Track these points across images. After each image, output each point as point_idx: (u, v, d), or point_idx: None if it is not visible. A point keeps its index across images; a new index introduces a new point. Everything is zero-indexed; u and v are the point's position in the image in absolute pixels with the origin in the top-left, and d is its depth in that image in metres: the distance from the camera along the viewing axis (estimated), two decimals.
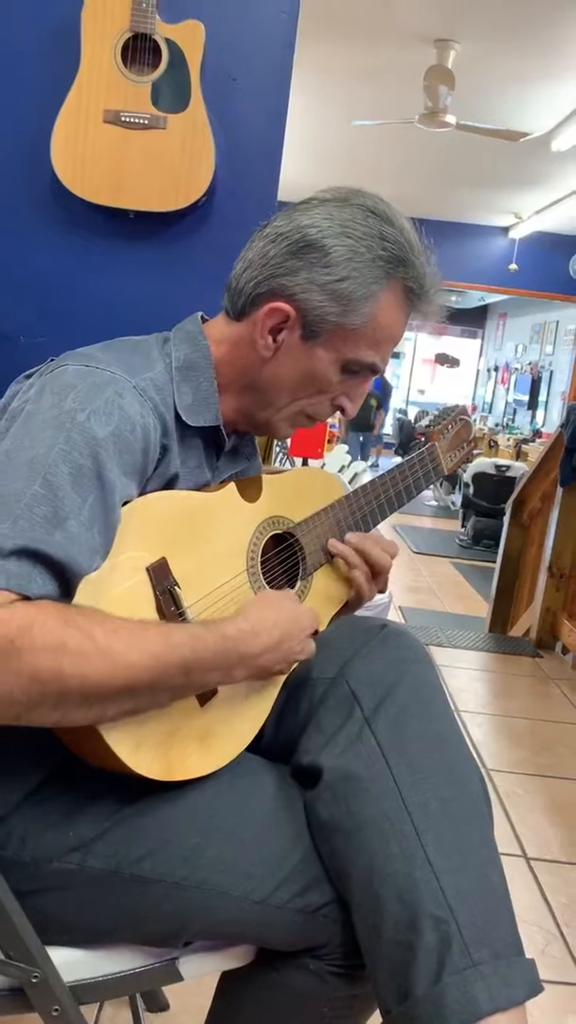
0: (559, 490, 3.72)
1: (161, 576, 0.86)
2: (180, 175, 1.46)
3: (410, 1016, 0.78)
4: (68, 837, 0.86)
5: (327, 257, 0.91)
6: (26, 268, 1.54)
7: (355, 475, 4.53)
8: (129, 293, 1.54)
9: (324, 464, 4.48)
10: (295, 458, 4.55)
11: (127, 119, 1.43)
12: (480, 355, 13.87)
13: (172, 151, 1.45)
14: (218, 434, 0.99)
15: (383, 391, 11.57)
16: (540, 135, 5.08)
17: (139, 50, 1.43)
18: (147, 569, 0.85)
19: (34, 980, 0.84)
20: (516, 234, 8.30)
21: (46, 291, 1.54)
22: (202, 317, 1.02)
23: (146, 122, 1.44)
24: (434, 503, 9.09)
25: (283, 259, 0.93)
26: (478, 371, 13.75)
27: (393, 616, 3.96)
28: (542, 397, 10.25)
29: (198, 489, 0.98)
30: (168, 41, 1.43)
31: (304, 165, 6.12)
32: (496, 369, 12.64)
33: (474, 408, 12.70)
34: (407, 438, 10.84)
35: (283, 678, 0.99)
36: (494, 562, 4.34)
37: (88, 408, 0.81)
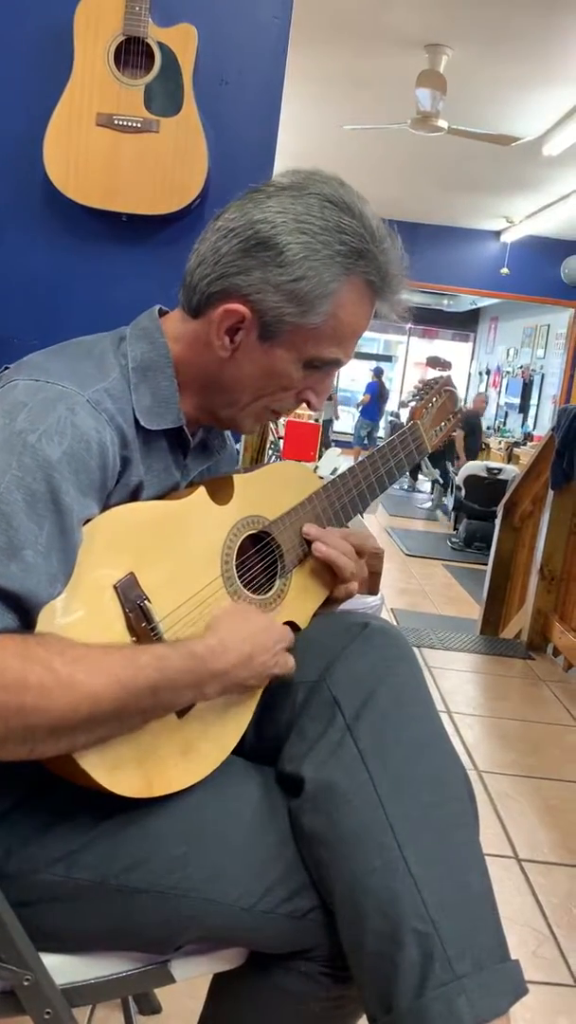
0: (550, 493, 3.73)
1: (129, 592, 0.83)
2: (173, 178, 1.46)
3: None
4: (52, 848, 0.85)
5: (281, 256, 0.86)
6: (18, 270, 1.54)
7: None
8: (121, 295, 1.54)
9: (317, 467, 4.47)
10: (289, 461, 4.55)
11: (120, 122, 1.44)
12: (472, 359, 13.90)
13: (165, 154, 1.45)
14: (181, 434, 0.96)
15: (380, 395, 11.59)
16: (531, 139, 5.10)
17: (132, 53, 1.44)
18: (114, 587, 0.82)
19: (26, 983, 0.83)
20: (508, 238, 8.32)
21: (39, 293, 1.55)
22: (160, 310, 0.98)
23: (139, 125, 1.44)
24: (428, 505, 9.11)
25: (235, 257, 0.88)
26: (470, 374, 13.79)
27: (385, 618, 3.95)
28: (533, 400, 10.29)
29: (167, 493, 0.94)
30: (161, 45, 1.43)
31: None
32: (488, 372, 12.68)
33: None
34: None
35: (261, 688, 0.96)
36: (486, 564, 4.36)
37: (40, 428, 0.78)
